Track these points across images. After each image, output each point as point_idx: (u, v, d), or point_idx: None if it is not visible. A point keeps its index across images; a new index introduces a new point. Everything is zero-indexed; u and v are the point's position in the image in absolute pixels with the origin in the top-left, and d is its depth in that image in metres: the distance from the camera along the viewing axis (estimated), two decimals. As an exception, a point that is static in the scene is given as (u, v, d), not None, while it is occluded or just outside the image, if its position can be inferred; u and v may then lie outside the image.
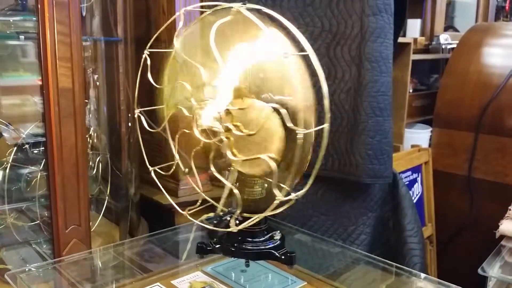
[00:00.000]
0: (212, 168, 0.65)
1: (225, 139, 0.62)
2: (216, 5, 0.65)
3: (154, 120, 0.71)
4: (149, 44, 0.68)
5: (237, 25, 0.64)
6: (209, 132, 0.64)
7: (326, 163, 1.05)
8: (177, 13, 0.70)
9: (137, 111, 0.70)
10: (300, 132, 0.57)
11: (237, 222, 0.66)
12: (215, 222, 0.71)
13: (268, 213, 0.61)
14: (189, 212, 0.69)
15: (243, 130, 0.62)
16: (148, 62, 0.69)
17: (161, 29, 0.73)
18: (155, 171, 0.71)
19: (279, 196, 0.59)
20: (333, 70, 1.04)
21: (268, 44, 0.61)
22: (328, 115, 0.59)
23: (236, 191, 0.62)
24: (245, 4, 0.62)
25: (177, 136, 0.67)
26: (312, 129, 0.61)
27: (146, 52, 0.68)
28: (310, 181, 0.60)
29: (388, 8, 0.99)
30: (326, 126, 0.59)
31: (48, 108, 0.87)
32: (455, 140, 1.59)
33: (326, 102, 0.59)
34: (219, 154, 0.65)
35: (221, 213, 0.70)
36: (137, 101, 0.81)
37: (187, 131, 0.66)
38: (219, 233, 0.74)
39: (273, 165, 0.59)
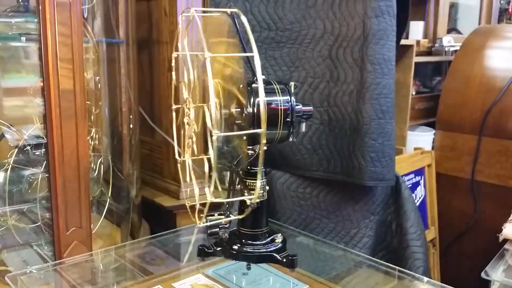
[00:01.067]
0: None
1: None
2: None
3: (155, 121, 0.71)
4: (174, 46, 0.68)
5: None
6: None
7: (328, 166, 1.05)
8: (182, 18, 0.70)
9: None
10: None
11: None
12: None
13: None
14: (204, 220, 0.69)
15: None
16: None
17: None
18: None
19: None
20: (335, 72, 1.04)
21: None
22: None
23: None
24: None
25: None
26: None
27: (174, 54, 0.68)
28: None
29: (390, 10, 0.98)
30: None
31: (49, 110, 0.87)
32: (458, 143, 1.58)
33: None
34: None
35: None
36: (138, 102, 0.82)
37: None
38: (220, 235, 0.73)
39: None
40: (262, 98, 0.58)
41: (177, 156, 0.73)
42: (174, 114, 0.73)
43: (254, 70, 0.60)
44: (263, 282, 0.82)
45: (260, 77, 0.58)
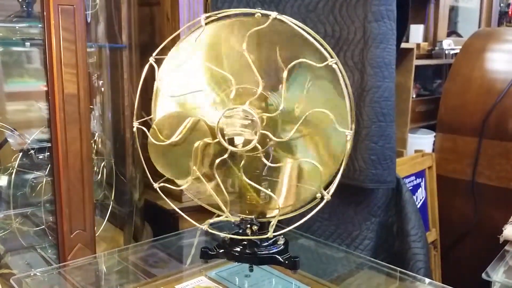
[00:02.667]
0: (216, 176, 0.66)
1: (258, 146, 0.63)
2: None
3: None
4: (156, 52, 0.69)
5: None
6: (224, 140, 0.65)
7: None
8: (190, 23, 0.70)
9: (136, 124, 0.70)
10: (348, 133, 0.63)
11: (255, 227, 0.69)
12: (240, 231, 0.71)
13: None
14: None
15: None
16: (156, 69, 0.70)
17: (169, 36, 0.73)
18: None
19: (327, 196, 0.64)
20: (336, 76, 1.04)
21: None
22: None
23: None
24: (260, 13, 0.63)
25: (198, 146, 0.66)
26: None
27: (152, 59, 0.68)
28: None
29: (390, 14, 0.99)
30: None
31: (53, 114, 0.88)
32: (459, 145, 1.59)
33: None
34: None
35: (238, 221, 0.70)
36: (141, 106, 0.81)
37: (209, 140, 0.66)
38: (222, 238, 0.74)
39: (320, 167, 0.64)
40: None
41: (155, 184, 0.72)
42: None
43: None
44: (265, 284, 0.83)
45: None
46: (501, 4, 2.47)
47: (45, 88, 0.90)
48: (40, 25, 0.89)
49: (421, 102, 1.85)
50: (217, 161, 0.66)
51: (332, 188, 0.65)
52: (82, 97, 0.89)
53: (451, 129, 1.61)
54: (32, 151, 1.04)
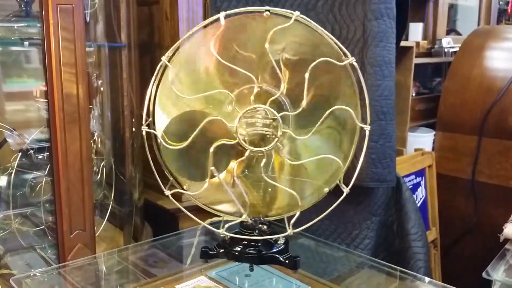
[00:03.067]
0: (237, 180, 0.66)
1: (280, 145, 0.64)
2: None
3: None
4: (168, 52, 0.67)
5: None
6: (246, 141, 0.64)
7: (329, 167, 1.05)
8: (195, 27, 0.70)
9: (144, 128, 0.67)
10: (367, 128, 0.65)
11: (264, 227, 0.69)
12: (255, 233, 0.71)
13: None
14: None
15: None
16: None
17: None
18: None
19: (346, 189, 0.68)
20: (336, 75, 1.04)
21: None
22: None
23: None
24: (268, 11, 0.63)
25: (213, 146, 0.65)
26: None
27: (164, 58, 0.65)
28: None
29: (390, 12, 0.99)
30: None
31: (52, 114, 0.88)
32: (459, 144, 1.59)
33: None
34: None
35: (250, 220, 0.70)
36: (140, 105, 0.81)
37: (228, 141, 0.65)
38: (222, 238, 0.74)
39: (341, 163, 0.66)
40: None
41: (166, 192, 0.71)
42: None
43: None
44: (265, 284, 0.83)
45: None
46: (500, 2, 2.47)
47: (44, 88, 0.90)
48: (38, 25, 0.89)
49: (421, 100, 1.85)
50: (236, 161, 0.66)
51: (351, 182, 0.67)
52: (81, 97, 0.89)
53: (450, 127, 1.61)
54: (31, 151, 1.04)
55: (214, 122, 0.65)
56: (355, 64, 0.63)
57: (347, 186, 0.68)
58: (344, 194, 0.67)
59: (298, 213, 0.68)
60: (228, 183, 0.68)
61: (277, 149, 0.65)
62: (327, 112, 0.64)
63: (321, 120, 0.64)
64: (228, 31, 0.65)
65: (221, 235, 0.72)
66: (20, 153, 1.04)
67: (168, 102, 0.67)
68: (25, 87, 1.15)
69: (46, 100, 0.89)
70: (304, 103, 0.63)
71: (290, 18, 0.63)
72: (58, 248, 0.93)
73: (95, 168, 1.14)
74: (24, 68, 1.13)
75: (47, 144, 0.95)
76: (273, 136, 0.63)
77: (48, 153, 1.00)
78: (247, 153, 0.65)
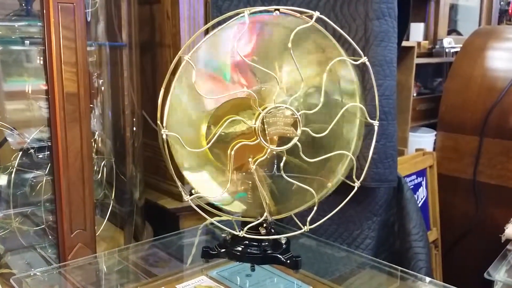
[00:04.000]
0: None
1: (298, 144, 0.64)
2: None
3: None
4: (181, 49, 0.65)
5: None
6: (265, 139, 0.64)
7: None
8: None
9: (164, 132, 0.62)
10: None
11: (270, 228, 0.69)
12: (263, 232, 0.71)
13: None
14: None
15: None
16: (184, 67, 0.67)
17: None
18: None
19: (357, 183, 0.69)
20: (337, 74, 1.04)
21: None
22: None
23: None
24: (277, 10, 0.63)
25: (233, 149, 0.65)
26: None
27: (187, 57, 0.61)
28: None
29: (391, 12, 0.99)
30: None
31: (53, 113, 0.88)
32: (460, 144, 1.58)
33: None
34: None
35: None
36: (141, 105, 0.81)
37: (249, 142, 0.65)
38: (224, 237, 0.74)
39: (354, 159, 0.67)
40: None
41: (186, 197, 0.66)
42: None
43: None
44: (267, 284, 0.82)
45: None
46: (501, 2, 2.47)
47: (45, 87, 0.90)
48: (39, 24, 0.89)
49: (422, 100, 1.85)
50: (258, 160, 0.65)
51: (361, 177, 0.69)
52: (82, 96, 0.89)
53: (452, 127, 1.61)
54: (31, 150, 1.04)
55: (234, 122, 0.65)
56: (367, 63, 0.66)
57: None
58: (356, 189, 0.69)
59: (314, 210, 0.68)
60: (244, 183, 0.68)
61: (294, 148, 0.65)
62: (342, 110, 0.65)
63: (336, 118, 0.65)
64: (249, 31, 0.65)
65: (238, 235, 0.71)
66: (21, 152, 1.04)
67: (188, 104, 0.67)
68: (25, 86, 1.15)
69: (47, 99, 0.89)
70: (321, 101, 0.64)
71: (300, 18, 0.64)
72: (58, 247, 0.93)
73: (95, 168, 1.14)
74: (25, 67, 1.12)
75: (47, 143, 0.95)
76: (293, 135, 0.63)
77: (48, 152, 1.00)
78: (267, 153, 0.65)
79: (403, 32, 1.09)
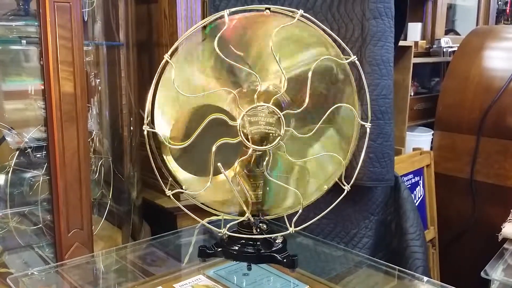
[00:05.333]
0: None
1: (282, 143, 0.64)
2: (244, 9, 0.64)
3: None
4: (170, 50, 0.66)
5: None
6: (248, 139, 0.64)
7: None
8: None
9: (145, 128, 0.66)
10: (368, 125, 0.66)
11: (264, 226, 0.70)
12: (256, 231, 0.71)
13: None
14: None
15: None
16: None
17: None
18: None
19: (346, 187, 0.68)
20: (334, 74, 1.04)
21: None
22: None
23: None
24: (269, 9, 0.63)
25: (215, 146, 0.65)
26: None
27: (167, 56, 0.64)
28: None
29: (388, 12, 0.99)
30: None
31: (50, 113, 0.88)
32: (457, 143, 1.59)
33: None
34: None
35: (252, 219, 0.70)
36: (138, 104, 0.81)
37: (230, 140, 0.65)
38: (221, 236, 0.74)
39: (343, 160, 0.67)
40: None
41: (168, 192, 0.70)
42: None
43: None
44: (263, 283, 0.83)
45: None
46: (499, 2, 2.47)
47: (42, 87, 0.90)
48: (36, 23, 0.89)
49: (419, 100, 1.85)
50: (239, 160, 0.66)
51: (352, 179, 0.68)
52: (79, 95, 0.89)
53: (449, 127, 1.61)
54: (29, 150, 1.04)
55: (217, 120, 0.65)
56: (357, 62, 0.64)
57: (347, 184, 0.68)
58: (345, 192, 0.68)
59: (299, 212, 0.68)
60: (231, 181, 0.68)
61: (279, 148, 0.65)
62: (329, 110, 0.64)
63: (322, 118, 0.64)
64: (231, 30, 0.65)
65: (220, 235, 0.72)
66: (18, 152, 1.04)
67: (167, 102, 0.67)
68: (23, 86, 1.15)
69: (44, 98, 0.89)
70: (306, 102, 0.63)
71: (292, 17, 0.63)
72: (55, 246, 0.93)
73: (93, 167, 1.14)
74: (23, 66, 1.12)
75: (45, 143, 0.95)
76: (276, 135, 0.63)
77: (45, 152, 1.00)
78: (250, 152, 0.65)
79: (400, 32, 1.09)
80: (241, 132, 0.63)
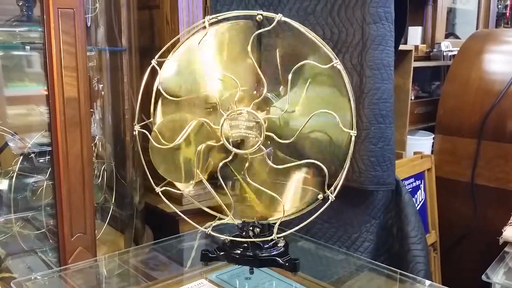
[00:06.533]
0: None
1: (263, 148, 0.64)
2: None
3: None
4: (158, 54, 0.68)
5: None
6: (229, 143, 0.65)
7: (329, 170, 1.06)
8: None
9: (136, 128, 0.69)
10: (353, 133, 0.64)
11: (257, 230, 0.70)
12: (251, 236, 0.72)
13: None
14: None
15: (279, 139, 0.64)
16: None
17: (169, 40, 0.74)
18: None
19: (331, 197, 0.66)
20: (335, 78, 1.05)
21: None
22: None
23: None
24: (261, 15, 0.63)
25: (201, 149, 0.67)
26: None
27: (154, 61, 0.67)
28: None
29: (388, 16, 0.99)
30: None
31: (54, 118, 0.88)
32: (458, 147, 1.59)
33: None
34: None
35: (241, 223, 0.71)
36: (141, 111, 0.81)
37: (213, 143, 0.66)
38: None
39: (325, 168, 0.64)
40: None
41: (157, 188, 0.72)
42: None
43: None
44: (266, 286, 0.83)
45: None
46: (499, 6, 2.48)
47: (45, 92, 0.90)
48: (40, 29, 0.90)
49: (420, 104, 1.86)
50: (221, 164, 0.67)
51: (337, 189, 0.66)
52: (82, 101, 0.90)
53: (449, 130, 1.61)
54: (32, 155, 1.04)
55: (202, 125, 0.66)
56: (340, 67, 0.63)
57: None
58: (329, 202, 0.67)
59: (280, 219, 0.68)
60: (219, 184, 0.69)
61: (260, 152, 0.65)
62: (311, 115, 0.64)
63: (305, 123, 0.64)
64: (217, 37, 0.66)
65: (206, 231, 0.72)
66: (22, 157, 1.04)
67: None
68: (26, 91, 1.16)
69: (47, 103, 0.89)
70: (286, 106, 0.64)
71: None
72: (59, 251, 0.93)
73: (96, 172, 1.14)
74: (26, 72, 1.13)
75: (48, 148, 0.96)
76: (256, 139, 0.64)
77: (49, 157, 1.00)
78: (231, 155, 0.66)
79: (400, 36, 1.10)
80: (222, 135, 0.65)
